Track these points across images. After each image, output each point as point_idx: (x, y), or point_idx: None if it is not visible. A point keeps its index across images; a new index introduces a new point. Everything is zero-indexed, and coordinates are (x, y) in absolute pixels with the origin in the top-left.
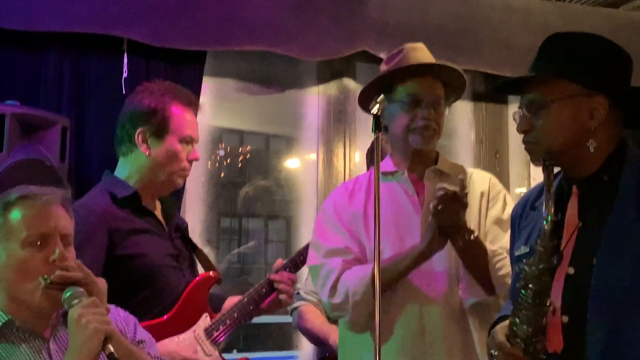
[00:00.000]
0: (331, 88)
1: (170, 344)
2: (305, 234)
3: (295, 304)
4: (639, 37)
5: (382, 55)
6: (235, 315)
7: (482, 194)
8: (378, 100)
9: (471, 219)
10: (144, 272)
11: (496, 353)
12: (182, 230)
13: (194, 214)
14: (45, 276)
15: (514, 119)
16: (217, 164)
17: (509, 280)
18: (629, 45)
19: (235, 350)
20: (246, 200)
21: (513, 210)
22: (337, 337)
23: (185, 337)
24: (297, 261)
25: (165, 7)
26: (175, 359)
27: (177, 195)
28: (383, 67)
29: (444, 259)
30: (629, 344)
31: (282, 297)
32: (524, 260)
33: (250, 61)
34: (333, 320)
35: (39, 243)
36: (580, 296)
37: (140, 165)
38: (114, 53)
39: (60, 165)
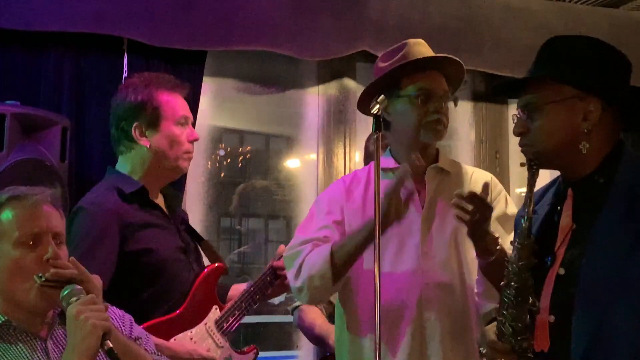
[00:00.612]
0: (331, 88)
1: (187, 342)
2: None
3: (296, 303)
4: (639, 37)
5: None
6: (244, 305)
7: None
8: (378, 100)
9: None
10: (155, 267)
11: (485, 351)
12: (185, 222)
13: (194, 214)
14: (40, 274)
15: (513, 120)
16: (217, 164)
17: None
18: (629, 45)
19: (238, 349)
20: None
21: (517, 214)
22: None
23: (198, 331)
24: None
25: (165, 7)
26: (195, 358)
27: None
28: (381, 64)
29: (443, 259)
30: (612, 343)
31: (287, 281)
32: (505, 259)
33: (250, 61)
34: (333, 320)
35: (31, 243)
36: (568, 296)
37: (144, 159)
38: (114, 53)
39: (60, 165)
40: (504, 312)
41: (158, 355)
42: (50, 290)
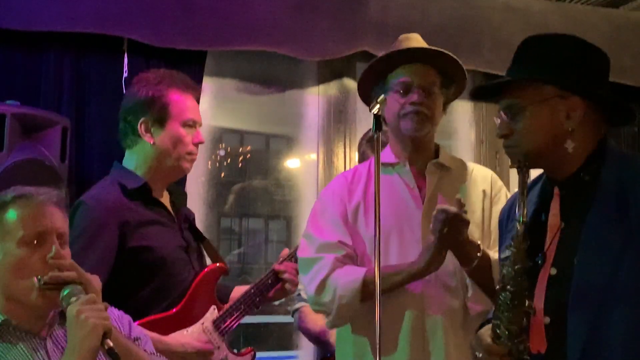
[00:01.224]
0: (331, 88)
1: (182, 336)
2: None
3: (297, 305)
4: (639, 37)
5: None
6: (242, 307)
7: (484, 193)
8: (379, 100)
9: (474, 218)
10: (154, 264)
11: (481, 355)
12: (190, 221)
13: (195, 214)
14: (39, 277)
15: (496, 122)
16: (217, 164)
17: None
18: (629, 45)
19: (235, 350)
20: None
21: (500, 215)
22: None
23: (194, 329)
24: None
25: (165, 7)
26: (188, 351)
27: (181, 184)
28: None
29: (448, 263)
30: (608, 343)
31: (287, 286)
32: (501, 263)
33: (250, 61)
34: None
35: (35, 242)
36: (561, 296)
37: (147, 155)
38: (114, 53)
39: (60, 165)
40: (500, 315)
41: (157, 356)
42: (50, 292)
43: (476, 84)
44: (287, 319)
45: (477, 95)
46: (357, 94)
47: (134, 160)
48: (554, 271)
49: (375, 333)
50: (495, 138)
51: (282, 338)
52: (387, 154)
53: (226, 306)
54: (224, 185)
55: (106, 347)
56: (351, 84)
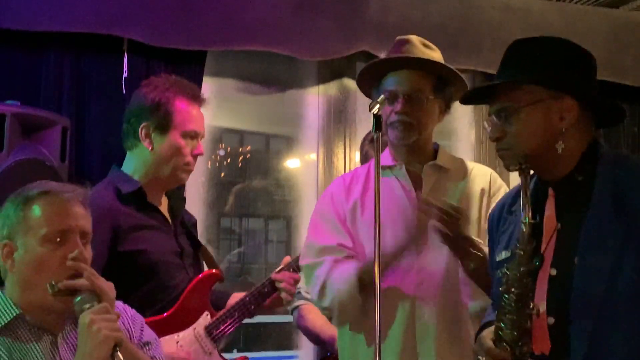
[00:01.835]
0: (331, 88)
1: (171, 345)
2: (305, 234)
3: (296, 303)
4: (639, 38)
5: (382, 56)
6: (236, 314)
7: (482, 191)
8: (379, 100)
9: (470, 215)
10: (146, 268)
11: (483, 359)
12: (188, 227)
13: (194, 214)
14: (52, 283)
15: (485, 126)
16: (217, 164)
17: None
18: (629, 45)
19: (235, 350)
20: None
21: (490, 216)
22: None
23: (186, 334)
24: None
25: (165, 7)
26: None
27: (179, 189)
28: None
29: (438, 257)
30: (612, 343)
31: (284, 295)
32: (504, 265)
33: (250, 61)
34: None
35: (58, 240)
36: (564, 297)
37: (145, 160)
38: (114, 53)
39: (60, 166)
40: (503, 318)
41: None
42: (63, 297)
43: (476, 83)
44: (287, 318)
45: (468, 100)
46: (357, 94)
47: (133, 163)
48: (554, 272)
49: (375, 335)
50: None
51: (281, 338)
52: (386, 157)
53: (220, 313)
54: (224, 185)
55: (116, 359)
56: (351, 84)
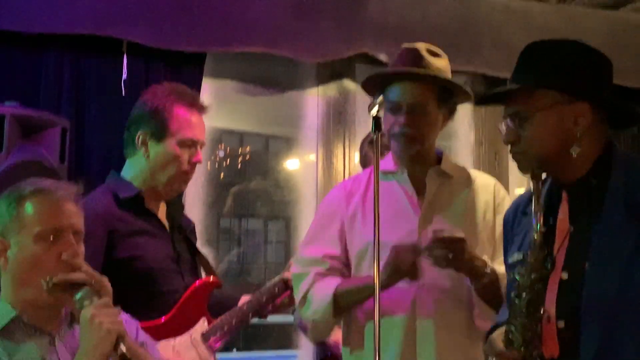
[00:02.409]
0: (331, 89)
1: (167, 350)
2: (304, 235)
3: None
4: (639, 39)
5: (382, 57)
6: (234, 322)
7: (486, 203)
8: (377, 101)
9: (473, 227)
10: (142, 274)
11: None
12: (185, 232)
13: (194, 215)
14: (48, 278)
15: (500, 129)
16: (216, 165)
17: None
18: (629, 47)
19: (235, 349)
20: (241, 200)
21: (504, 217)
22: (338, 337)
23: (182, 341)
24: None
25: (165, 8)
26: None
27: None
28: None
29: (443, 271)
30: (621, 349)
31: (278, 301)
32: (516, 270)
33: (250, 62)
34: None
35: (51, 238)
36: (574, 301)
37: (142, 168)
38: (114, 54)
39: (60, 166)
40: (514, 322)
41: None
42: (59, 292)
43: (475, 85)
44: (287, 318)
45: (484, 102)
46: (357, 95)
47: (131, 171)
48: (565, 275)
49: (375, 334)
50: (495, 139)
51: (282, 337)
52: (387, 162)
53: (217, 320)
54: (224, 186)
55: (119, 353)
56: (351, 85)
